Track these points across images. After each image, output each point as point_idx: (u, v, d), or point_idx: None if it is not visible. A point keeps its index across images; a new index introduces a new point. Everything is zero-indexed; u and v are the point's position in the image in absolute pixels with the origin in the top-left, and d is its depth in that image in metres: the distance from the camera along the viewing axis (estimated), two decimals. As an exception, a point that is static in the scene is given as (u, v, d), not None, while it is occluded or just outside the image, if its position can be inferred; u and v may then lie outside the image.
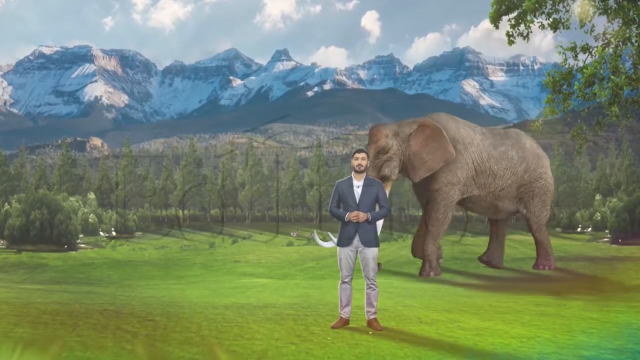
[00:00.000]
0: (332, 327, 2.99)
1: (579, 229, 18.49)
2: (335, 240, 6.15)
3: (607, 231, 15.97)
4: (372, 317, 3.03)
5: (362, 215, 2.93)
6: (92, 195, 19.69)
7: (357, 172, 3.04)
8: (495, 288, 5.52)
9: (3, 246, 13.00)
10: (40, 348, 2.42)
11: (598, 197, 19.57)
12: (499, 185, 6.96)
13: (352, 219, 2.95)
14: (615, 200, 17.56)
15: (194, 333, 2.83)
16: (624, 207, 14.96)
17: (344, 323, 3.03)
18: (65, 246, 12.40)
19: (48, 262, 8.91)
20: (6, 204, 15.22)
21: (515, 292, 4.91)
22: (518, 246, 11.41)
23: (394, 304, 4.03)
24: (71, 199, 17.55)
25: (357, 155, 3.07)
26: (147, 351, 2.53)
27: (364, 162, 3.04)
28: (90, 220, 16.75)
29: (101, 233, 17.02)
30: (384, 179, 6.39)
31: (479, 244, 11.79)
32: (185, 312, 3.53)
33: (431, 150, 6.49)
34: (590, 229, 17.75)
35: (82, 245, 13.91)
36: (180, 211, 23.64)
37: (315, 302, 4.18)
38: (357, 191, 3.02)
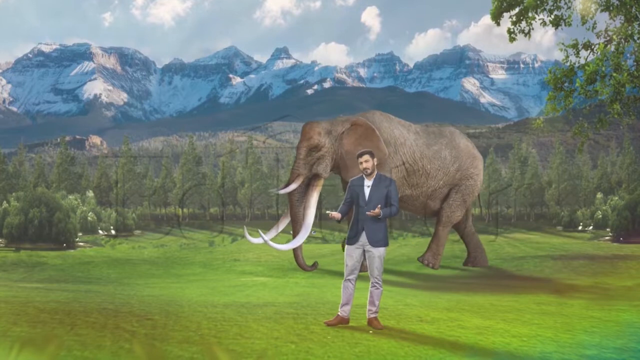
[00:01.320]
0: (326, 323, 2.97)
1: (580, 228, 18.50)
2: (265, 237, 6.16)
3: (608, 229, 15.99)
4: (373, 315, 3.02)
5: (375, 212, 2.91)
6: (90, 194, 19.66)
7: (366, 175, 3.05)
8: (496, 287, 5.51)
9: (1, 244, 12.99)
10: (38, 347, 2.40)
11: (599, 195, 19.58)
12: (431, 185, 6.94)
13: (367, 214, 2.93)
14: (616, 198, 17.55)
15: (193, 332, 2.81)
16: (625, 205, 14.96)
17: (340, 321, 3.00)
18: (64, 244, 12.39)
19: (47, 260, 8.90)
20: (4, 202, 15.19)
21: (516, 291, 4.91)
22: (519, 245, 11.41)
23: (395, 303, 4.02)
24: (70, 197, 17.52)
25: (360, 159, 3.06)
26: (145, 350, 2.51)
27: (369, 165, 3.03)
28: (89, 218, 16.72)
29: (100, 231, 17.00)
30: (316, 177, 6.31)
31: (479, 242, 11.74)
32: (184, 311, 3.51)
33: (364, 149, 6.43)
34: (591, 227, 17.76)
35: (81, 244, 13.90)
36: (180, 209, 23.62)
37: (315, 301, 4.17)
38: (367, 190, 3.02)
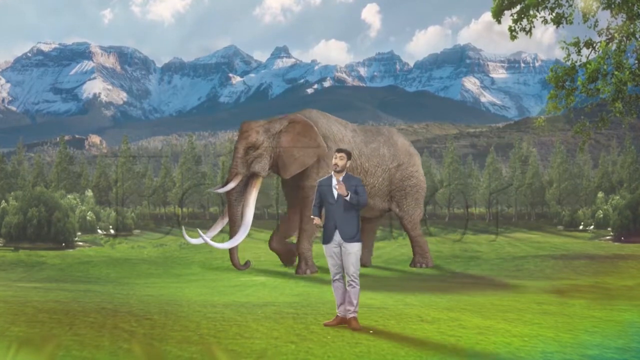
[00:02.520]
0: (325, 325, 2.96)
1: (581, 227, 18.51)
2: (206, 237, 6.11)
3: (609, 229, 15.98)
4: (352, 315, 2.97)
5: (342, 188, 2.91)
6: (89, 193, 19.61)
7: (335, 172, 3.04)
8: (496, 286, 5.50)
9: (0, 244, 12.96)
10: (35, 347, 2.38)
11: (600, 194, 19.57)
12: (370, 183, 6.92)
13: (336, 189, 2.93)
14: (617, 197, 17.54)
15: (193, 332, 2.80)
16: (626, 204, 14.96)
17: (339, 321, 2.99)
18: (63, 244, 12.37)
19: (46, 260, 8.88)
20: (3, 201, 15.15)
21: (517, 291, 4.89)
22: (520, 244, 11.40)
23: (395, 303, 4.01)
24: (69, 196, 17.49)
25: (336, 154, 3.06)
26: (144, 350, 2.49)
27: (340, 162, 3.02)
28: (88, 218, 16.69)
29: (99, 231, 16.96)
30: (254, 175, 6.26)
31: (480, 242, 11.79)
32: (183, 310, 3.49)
33: (302, 146, 6.41)
34: (592, 227, 17.75)
35: (80, 243, 13.88)
36: (179, 209, 23.59)
37: (315, 300, 4.15)
38: (335, 188, 3.00)
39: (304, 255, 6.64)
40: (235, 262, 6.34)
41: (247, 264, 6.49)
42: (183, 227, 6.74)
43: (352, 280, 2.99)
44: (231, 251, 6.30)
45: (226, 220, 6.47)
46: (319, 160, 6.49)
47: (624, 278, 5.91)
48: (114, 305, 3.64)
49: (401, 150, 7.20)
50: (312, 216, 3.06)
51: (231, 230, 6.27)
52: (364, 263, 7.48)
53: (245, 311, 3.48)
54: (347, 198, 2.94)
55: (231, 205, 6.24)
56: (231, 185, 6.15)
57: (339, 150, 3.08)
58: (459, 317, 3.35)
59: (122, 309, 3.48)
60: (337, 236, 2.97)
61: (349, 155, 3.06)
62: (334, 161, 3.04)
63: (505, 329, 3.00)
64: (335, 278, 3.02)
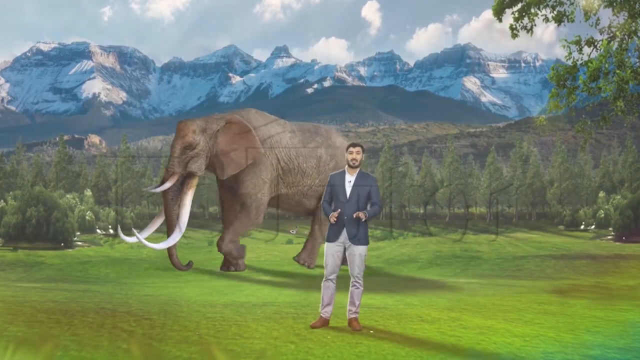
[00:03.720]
0: (312, 327, 2.91)
1: (582, 227, 18.50)
2: (140, 236, 6.07)
3: (610, 229, 15.95)
4: (353, 316, 2.94)
5: (361, 215, 2.84)
6: (88, 193, 19.56)
7: (351, 167, 2.95)
8: (497, 286, 5.48)
9: (-1, 244, 12.93)
10: (33, 347, 2.36)
11: (601, 194, 19.57)
12: (307, 184, 6.88)
13: (354, 217, 2.87)
14: (619, 197, 17.53)
15: (192, 332, 2.78)
16: (627, 204, 14.94)
17: (324, 323, 2.94)
18: (62, 244, 12.34)
19: (45, 260, 8.87)
20: (2, 201, 15.12)
21: (518, 291, 4.88)
22: (520, 244, 11.39)
23: (395, 302, 3.99)
24: (68, 196, 17.46)
25: (351, 149, 2.96)
26: (142, 350, 2.48)
27: (358, 157, 2.94)
28: (87, 217, 16.66)
29: (98, 231, 16.94)
30: (190, 175, 6.22)
31: (480, 242, 11.77)
32: (183, 310, 3.48)
33: (239, 147, 6.35)
34: (593, 226, 17.75)
35: (79, 243, 13.85)
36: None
37: (315, 300, 4.12)
38: (349, 186, 2.92)
39: (230, 253, 6.60)
40: (175, 262, 6.27)
41: (189, 264, 6.42)
42: (119, 227, 6.64)
43: (356, 281, 2.95)
44: (169, 251, 6.21)
45: (161, 219, 6.39)
46: (253, 166, 6.45)
47: (626, 278, 5.90)
48: (113, 305, 3.62)
49: (340, 150, 7.12)
50: (324, 214, 2.94)
51: (168, 230, 6.20)
52: (304, 261, 7.44)
53: (245, 311, 3.46)
54: (366, 219, 2.87)
55: (167, 205, 6.18)
56: (167, 185, 6.10)
57: (354, 145, 2.97)
58: (459, 317, 3.34)
59: (121, 308, 3.46)
60: (343, 236, 2.90)
61: (364, 150, 2.99)
62: (351, 157, 2.92)
63: (506, 329, 2.98)
64: (329, 278, 2.96)
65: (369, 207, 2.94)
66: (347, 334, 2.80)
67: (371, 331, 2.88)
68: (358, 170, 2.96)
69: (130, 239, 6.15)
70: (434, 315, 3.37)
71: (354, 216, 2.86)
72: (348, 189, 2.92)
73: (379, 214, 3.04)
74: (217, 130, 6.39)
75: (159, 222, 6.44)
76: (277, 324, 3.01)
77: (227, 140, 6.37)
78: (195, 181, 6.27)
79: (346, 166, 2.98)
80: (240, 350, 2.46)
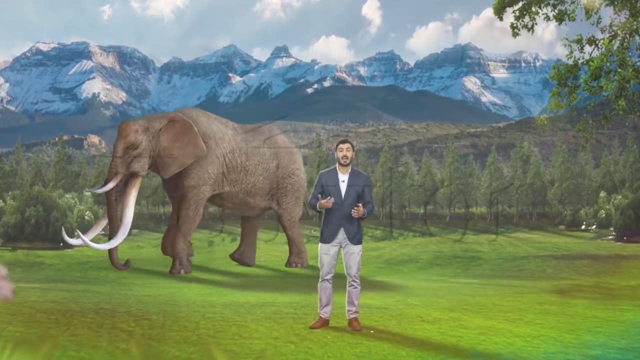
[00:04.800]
0: (311, 327, 2.89)
1: (582, 227, 18.49)
2: (85, 238, 6.03)
3: (611, 229, 15.95)
4: (353, 316, 2.91)
5: (361, 211, 2.80)
6: (87, 193, 19.55)
7: (342, 165, 2.88)
8: (498, 286, 5.48)
9: (-1, 244, 12.91)
10: (32, 347, 2.35)
11: (602, 194, 19.56)
12: (250, 182, 6.87)
13: (353, 214, 2.82)
14: (619, 197, 17.51)
15: (191, 332, 2.77)
16: (629, 204, 14.92)
17: (324, 323, 2.92)
18: (61, 244, 12.33)
19: (44, 260, 8.85)
20: (1, 201, 15.11)
21: (518, 291, 4.87)
22: (521, 244, 11.38)
23: (395, 303, 3.98)
24: (67, 196, 17.42)
25: (341, 146, 2.88)
26: (141, 350, 2.46)
27: (349, 154, 2.86)
28: (86, 217, 16.64)
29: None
30: (134, 175, 6.21)
31: (481, 242, 11.76)
32: (182, 310, 3.47)
33: (182, 145, 6.33)
34: (594, 226, 17.74)
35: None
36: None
37: (315, 300, 4.10)
38: (343, 186, 2.86)
39: (179, 255, 6.59)
40: (115, 262, 6.28)
41: (127, 263, 6.42)
42: (63, 228, 6.63)
43: (353, 281, 2.92)
44: (110, 252, 6.21)
45: (107, 220, 6.40)
46: (199, 160, 6.41)
47: (627, 278, 5.88)
48: (112, 306, 3.60)
49: (283, 149, 7.23)
50: (311, 207, 2.88)
51: (111, 230, 6.20)
52: (247, 262, 7.52)
53: (244, 311, 3.45)
54: (365, 217, 2.82)
55: (110, 205, 6.18)
56: (110, 185, 6.10)
57: (344, 142, 2.89)
58: (460, 317, 3.32)
59: (120, 309, 3.45)
60: (340, 236, 2.87)
61: (353, 147, 2.92)
62: (341, 154, 2.84)
63: (507, 329, 2.97)
64: (325, 278, 2.93)
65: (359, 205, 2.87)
66: (347, 334, 2.79)
67: (371, 331, 2.87)
68: (350, 168, 2.89)
69: (74, 241, 6.13)
70: (435, 316, 3.36)
71: (353, 211, 2.81)
72: (343, 189, 2.86)
73: (372, 211, 2.99)
74: (160, 129, 6.36)
75: (103, 223, 6.43)
76: (276, 324, 3.00)
77: (170, 138, 6.33)
78: (138, 181, 6.22)
79: (337, 165, 2.91)
80: (240, 350, 2.45)
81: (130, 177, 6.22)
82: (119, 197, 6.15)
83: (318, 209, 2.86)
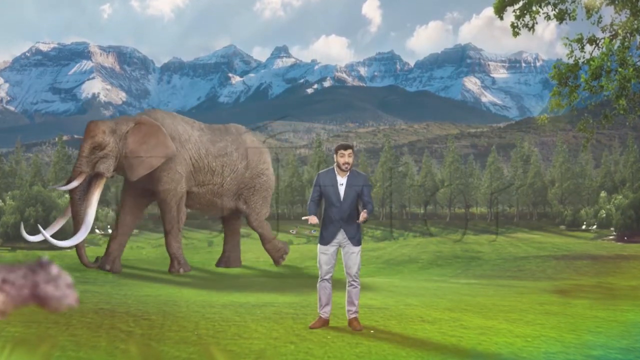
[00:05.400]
0: (310, 327, 2.88)
1: (583, 227, 18.49)
2: (46, 234, 5.98)
3: (612, 229, 15.95)
4: (353, 316, 2.90)
5: (365, 217, 2.80)
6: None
7: (343, 170, 2.89)
8: (498, 287, 5.46)
9: (-1, 244, 12.91)
10: (31, 347, 2.33)
11: (603, 194, 19.56)
12: (217, 182, 6.85)
13: (360, 221, 2.83)
14: (620, 197, 17.51)
15: (191, 332, 2.76)
16: (629, 204, 14.93)
17: (324, 323, 2.92)
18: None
19: (44, 259, 8.80)
20: (0, 200, 15.11)
21: (519, 291, 4.86)
22: (521, 245, 11.37)
23: (396, 303, 3.97)
24: (66, 195, 17.37)
25: (342, 152, 2.88)
26: (140, 350, 2.45)
27: (350, 160, 2.87)
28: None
29: (97, 231, 16.89)
30: (99, 176, 6.22)
31: (481, 242, 11.75)
32: (182, 310, 3.46)
33: (149, 148, 6.33)
34: (595, 226, 17.74)
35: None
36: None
37: (314, 301, 4.10)
38: (341, 189, 2.85)
39: (175, 255, 6.60)
40: (84, 260, 6.28)
41: (97, 261, 6.42)
42: (22, 225, 6.47)
43: (353, 281, 2.92)
44: (78, 249, 6.23)
45: (65, 218, 6.40)
46: (166, 163, 6.43)
47: (627, 278, 5.87)
48: (112, 306, 3.59)
49: (250, 149, 7.14)
50: (308, 215, 2.89)
51: (75, 229, 6.19)
52: (235, 265, 7.47)
53: (244, 311, 3.44)
54: (367, 218, 2.81)
55: (74, 203, 6.07)
56: (74, 184, 6.07)
57: (346, 147, 2.90)
58: (460, 317, 3.31)
59: (119, 309, 3.44)
60: (340, 236, 2.88)
61: (354, 150, 2.93)
62: (342, 160, 2.85)
63: (508, 329, 2.96)
64: (325, 278, 2.93)
65: (360, 208, 2.90)
66: (347, 334, 2.78)
67: (372, 331, 2.86)
68: (349, 170, 2.91)
69: (34, 238, 6.12)
70: (435, 316, 3.35)
71: (360, 220, 2.82)
72: (341, 191, 2.87)
73: (372, 211, 2.96)
74: (127, 131, 6.37)
75: (63, 220, 6.42)
76: (276, 324, 2.99)
77: (137, 140, 6.34)
78: (102, 182, 6.23)
79: (335, 167, 2.91)
80: (240, 350, 2.44)
81: (94, 177, 6.21)
82: (82, 196, 6.14)
83: (308, 222, 2.89)
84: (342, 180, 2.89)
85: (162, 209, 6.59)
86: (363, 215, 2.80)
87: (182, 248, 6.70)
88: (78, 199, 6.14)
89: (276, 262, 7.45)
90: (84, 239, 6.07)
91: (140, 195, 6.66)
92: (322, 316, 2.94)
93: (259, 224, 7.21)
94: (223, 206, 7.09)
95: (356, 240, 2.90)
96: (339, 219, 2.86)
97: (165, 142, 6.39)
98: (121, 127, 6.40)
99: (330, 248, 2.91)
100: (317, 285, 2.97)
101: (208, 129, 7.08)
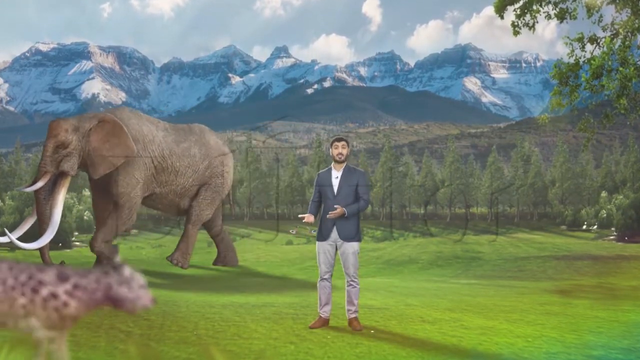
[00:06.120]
0: (310, 327, 2.86)
1: (584, 227, 18.50)
2: (12, 236, 5.96)
3: (613, 229, 15.96)
4: (353, 315, 2.87)
5: (339, 211, 2.77)
6: (87, 192, 19.53)
7: (337, 162, 2.85)
8: (498, 287, 5.47)
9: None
10: (29, 347, 2.32)
11: (604, 194, 19.58)
12: (180, 183, 6.85)
13: (329, 216, 2.80)
14: (621, 197, 17.52)
15: (190, 332, 2.75)
16: (630, 204, 14.95)
17: (324, 323, 2.90)
18: (60, 244, 12.28)
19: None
20: None
21: (520, 291, 4.86)
22: (522, 245, 11.38)
23: (396, 303, 3.96)
24: (66, 195, 17.35)
25: (336, 143, 2.87)
26: (139, 350, 2.44)
27: (344, 151, 2.84)
28: (85, 217, 16.63)
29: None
30: (63, 174, 6.18)
31: (482, 242, 11.75)
32: (181, 311, 3.45)
33: (111, 146, 6.31)
34: (595, 226, 17.75)
35: (77, 243, 13.82)
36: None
37: (315, 301, 4.09)
38: (336, 182, 2.82)
39: (102, 253, 6.46)
40: (47, 262, 6.20)
41: (61, 264, 6.26)
42: (4, 229, 6.46)
43: (352, 281, 2.90)
44: (41, 251, 6.15)
45: (33, 219, 6.33)
46: (125, 166, 6.42)
47: (628, 278, 5.87)
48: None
49: (213, 149, 7.09)
50: (307, 213, 2.88)
51: (40, 230, 6.13)
52: (232, 264, 7.46)
53: (244, 312, 3.43)
54: (346, 215, 2.80)
55: (39, 204, 6.00)
56: (39, 184, 6.02)
57: (339, 139, 2.88)
58: (461, 317, 3.31)
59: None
60: (334, 234, 2.85)
61: (349, 144, 2.91)
62: (336, 151, 2.84)
63: (508, 330, 2.96)
64: (324, 277, 2.90)
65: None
66: (347, 334, 2.77)
67: (372, 331, 2.85)
68: (345, 165, 2.88)
69: (1, 239, 6.09)
70: (435, 316, 3.34)
71: (329, 214, 2.79)
72: (335, 185, 2.84)
73: (365, 208, 2.90)
74: (90, 129, 6.34)
75: (30, 221, 6.36)
76: (276, 324, 2.98)
77: (100, 138, 6.31)
78: (67, 180, 6.18)
79: (332, 162, 2.90)
80: (239, 350, 2.43)
81: (59, 176, 6.18)
82: (47, 197, 6.10)
83: (303, 220, 2.88)
84: (337, 174, 2.87)
85: (114, 210, 6.54)
86: (336, 211, 2.76)
87: (110, 246, 6.49)
88: (43, 199, 6.09)
89: (171, 258, 7.18)
90: (49, 240, 5.99)
91: (106, 190, 6.61)
92: (322, 316, 2.92)
93: (195, 222, 7.05)
94: (184, 207, 7.06)
95: (349, 237, 2.85)
96: (332, 218, 2.82)
97: (126, 142, 6.36)
98: (84, 125, 6.34)
99: (327, 247, 2.88)
100: (317, 284, 2.95)
101: (172, 129, 7.06)
